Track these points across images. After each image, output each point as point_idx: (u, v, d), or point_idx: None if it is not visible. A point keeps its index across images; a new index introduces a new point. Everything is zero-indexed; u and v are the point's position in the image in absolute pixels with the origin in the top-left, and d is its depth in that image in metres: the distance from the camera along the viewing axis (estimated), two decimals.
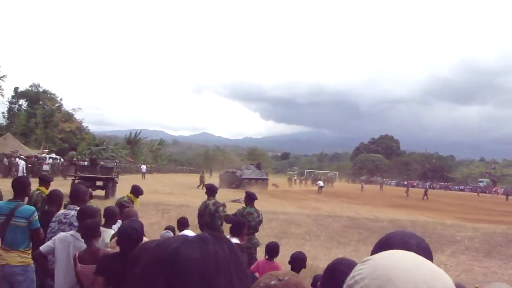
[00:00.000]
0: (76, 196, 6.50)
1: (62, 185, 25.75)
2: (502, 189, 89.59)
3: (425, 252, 1.87)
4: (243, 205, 10.21)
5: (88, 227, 5.12)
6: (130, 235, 4.44)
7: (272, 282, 2.29)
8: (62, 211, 6.49)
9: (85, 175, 28.40)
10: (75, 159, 40.58)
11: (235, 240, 7.40)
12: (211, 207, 9.82)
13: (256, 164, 58.79)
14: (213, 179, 56.34)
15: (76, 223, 5.85)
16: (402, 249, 1.37)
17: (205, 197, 10.39)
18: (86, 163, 32.79)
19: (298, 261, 6.49)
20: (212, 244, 1.28)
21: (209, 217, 9.79)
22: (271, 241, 7.82)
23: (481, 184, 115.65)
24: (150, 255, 1.29)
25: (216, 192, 10.24)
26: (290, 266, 6.62)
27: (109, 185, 28.78)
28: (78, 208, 6.11)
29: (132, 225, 4.63)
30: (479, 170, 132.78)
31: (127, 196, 10.31)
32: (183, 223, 9.04)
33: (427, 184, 77.21)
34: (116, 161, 39.97)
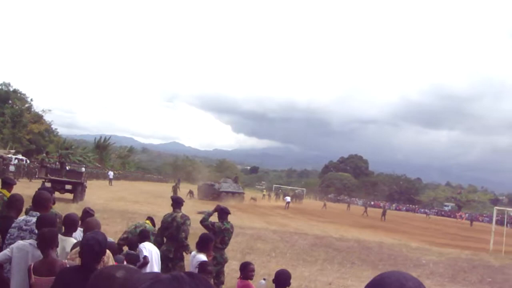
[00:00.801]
0: (39, 202, 6.19)
1: (28, 187, 25.33)
2: (467, 214, 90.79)
3: None
4: (202, 217, 9.99)
5: (44, 236, 4.77)
6: (93, 248, 4.17)
7: None
8: (23, 217, 6.12)
9: (56, 178, 28.84)
10: (46, 161, 39.97)
11: (202, 256, 7.22)
12: (179, 219, 9.57)
13: (233, 178, 60.59)
14: (183, 189, 55.91)
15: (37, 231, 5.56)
16: None
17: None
18: (57, 166, 33.27)
19: (282, 278, 6.40)
20: (188, 285, 1.06)
21: (175, 230, 9.53)
22: (245, 261, 7.72)
23: (446, 208, 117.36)
24: None
25: (182, 205, 9.97)
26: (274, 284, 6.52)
27: (78, 189, 28.69)
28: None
29: (96, 237, 4.38)
30: (445, 194, 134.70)
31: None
32: (145, 236, 8.41)
33: (385, 204, 78.37)
34: (84, 166, 40.21)
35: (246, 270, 7.18)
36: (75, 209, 19.05)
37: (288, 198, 61.83)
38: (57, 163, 35.97)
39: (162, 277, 1.07)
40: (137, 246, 7.98)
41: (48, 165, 34.50)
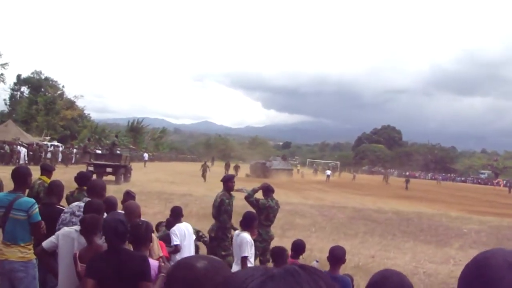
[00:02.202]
0: (94, 190, 6.10)
1: (64, 173, 25.65)
2: (505, 181, 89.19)
3: None
4: (246, 194, 9.89)
5: (86, 222, 4.69)
6: (116, 228, 4.10)
7: None
8: (76, 203, 6.07)
9: (98, 162, 31.34)
10: (88, 147, 41.39)
11: (245, 235, 7.11)
12: (217, 199, 9.51)
13: (282, 156, 66.56)
14: (216, 168, 56.14)
15: None
16: None
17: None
18: (101, 151, 36.59)
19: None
20: (306, 282, 0.87)
21: (215, 209, 9.48)
22: (297, 239, 7.61)
23: (482, 176, 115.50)
24: None
25: (230, 183, 9.76)
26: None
27: (120, 171, 31.05)
28: None
29: (117, 217, 4.30)
30: (480, 162, 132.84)
31: None
32: (177, 213, 8.24)
33: (409, 174, 78.05)
34: (128, 149, 42.27)
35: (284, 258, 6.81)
36: (114, 191, 19.28)
37: (329, 172, 64.81)
38: (107, 147, 38.45)
39: (274, 273, 0.88)
40: (173, 226, 7.86)
41: (92, 150, 36.92)
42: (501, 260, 1.41)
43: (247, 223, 7.29)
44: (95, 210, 5.05)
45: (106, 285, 3.96)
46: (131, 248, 4.48)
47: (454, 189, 63.96)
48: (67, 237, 4.94)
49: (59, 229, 5.37)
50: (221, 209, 9.36)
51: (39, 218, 5.81)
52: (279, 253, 6.58)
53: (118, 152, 33.74)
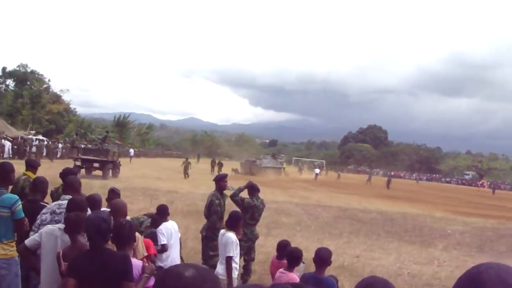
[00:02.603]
0: (71, 186, 5.99)
1: (49, 168, 25.45)
2: (489, 183, 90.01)
3: None
4: (232, 191, 9.79)
5: (70, 220, 4.60)
6: (100, 227, 4.02)
7: None
8: (55, 202, 5.95)
9: (85, 157, 31.85)
10: (76, 142, 41.49)
11: (231, 234, 7.09)
12: (208, 198, 9.45)
13: (271, 154, 69.48)
14: (201, 165, 56.08)
15: None
16: None
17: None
18: (90, 146, 37.24)
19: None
20: None
21: (206, 209, 9.41)
22: (282, 239, 7.60)
23: (467, 177, 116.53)
24: None
25: (222, 182, 9.63)
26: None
27: (107, 167, 31.58)
28: None
29: (100, 215, 4.22)
30: (465, 162, 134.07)
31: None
32: (163, 212, 8.09)
33: (390, 174, 78.85)
34: (116, 145, 42.90)
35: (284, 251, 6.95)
36: (100, 187, 19.18)
37: (318, 170, 67.25)
38: (97, 142, 38.92)
39: None
40: (159, 224, 7.80)
41: (79, 145, 37.06)
42: (494, 276, 1.39)
43: (232, 223, 7.26)
44: (78, 207, 4.97)
45: (88, 284, 3.88)
46: (115, 248, 4.42)
47: (439, 190, 64.41)
48: (50, 235, 4.85)
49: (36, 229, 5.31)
50: (211, 210, 9.28)
51: (23, 214, 5.71)
52: (294, 254, 6.54)
53: (106, 147, 34.02)
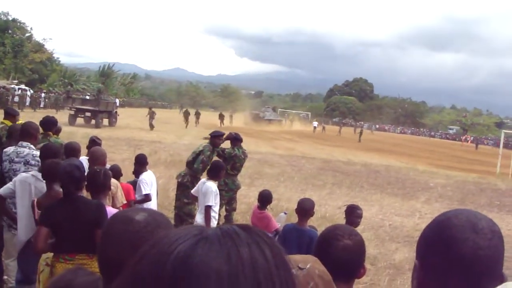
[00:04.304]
0: (27, 132, 5.70)
1: (32, 117, 24.92)
2: (472, 138, 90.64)
3: None
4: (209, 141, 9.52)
5: (48, 167, 4.46)
6: (73, 174, 3.90)
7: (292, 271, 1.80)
8: (12, 148, 5.74)
9: (78, 106, 33.78)
10: (71, 92, 43.79)
11: (211, 183, 7.00)
12: (199, 147, 9.19)
13: (272, 107, 75.79)
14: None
15: (33, 162, 5.28)
16: None
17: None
18: (87, 97, 40.46)
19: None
20: (246, 245, 0.64)
21: (192, 155, 9.09)
22: (264, 190, 7.43)
23: (451, 131, 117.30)
24: (142, 262, 0.67)
25: (218, 140, 9.30)
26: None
27: (99, 116, 33.30)
28: (31, 145, 5.50)
29: (73, 163, 4.08)
30: (450, 117, 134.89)
31: None
32: (142, 161, 7.80)
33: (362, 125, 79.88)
34: (115, 96, 45.68)
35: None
36: (84, 136, 18.95)
37: (315, 123, 69.65)
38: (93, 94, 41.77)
39: (209, 234, 0.69)
40: (140, 173, 7.62)
41: (75, 95, 39.77)
42: (464, 221, 1.33)
43: (214, 173, 7.18)
44: (54, 154, 4.82)
45: (60, 232, 3.78)
46: (90, 197, 4.30)
47: (423, 143, 64.89)
48: (24, 182, 4.78)
49: (7, 177, 5.21)
50: (199, 158, 9.02)
51: None
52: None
53: (103, 98, 36.49)
